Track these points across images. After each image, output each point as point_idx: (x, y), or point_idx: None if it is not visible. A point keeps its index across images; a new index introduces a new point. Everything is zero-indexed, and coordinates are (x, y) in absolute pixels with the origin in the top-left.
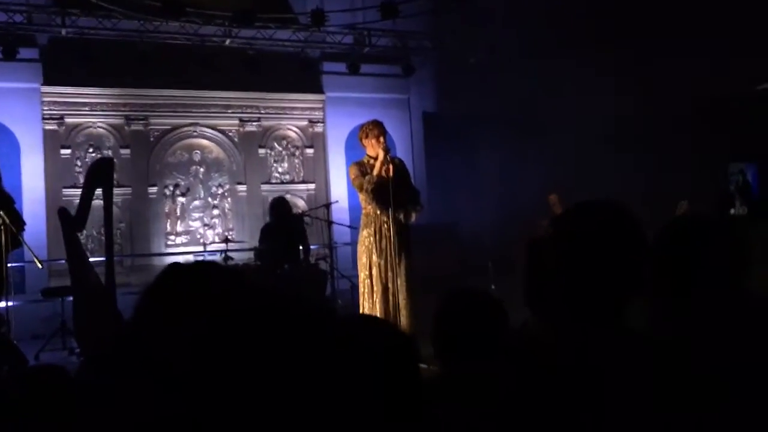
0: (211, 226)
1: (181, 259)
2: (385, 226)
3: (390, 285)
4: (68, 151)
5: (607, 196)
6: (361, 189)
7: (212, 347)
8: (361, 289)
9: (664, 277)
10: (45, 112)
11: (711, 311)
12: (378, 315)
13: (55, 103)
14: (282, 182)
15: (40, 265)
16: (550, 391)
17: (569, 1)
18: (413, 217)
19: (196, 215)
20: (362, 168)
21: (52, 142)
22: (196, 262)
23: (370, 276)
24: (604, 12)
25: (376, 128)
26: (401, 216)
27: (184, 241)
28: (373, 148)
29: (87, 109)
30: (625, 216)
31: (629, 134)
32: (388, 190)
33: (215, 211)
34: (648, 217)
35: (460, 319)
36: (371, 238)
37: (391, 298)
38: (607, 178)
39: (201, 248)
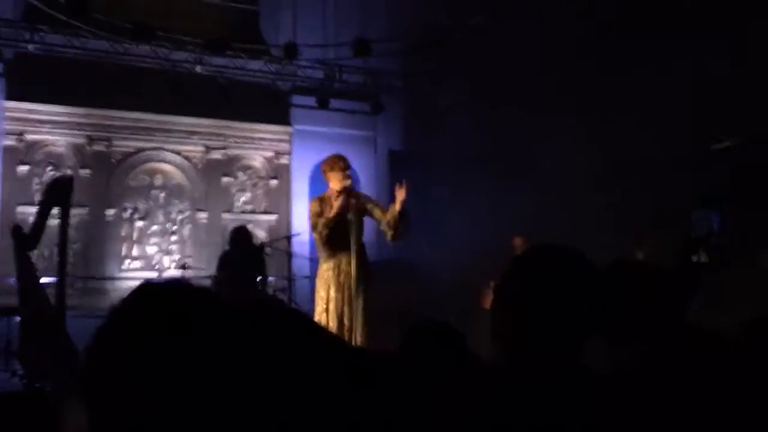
0: (168, 252)
1: (134, 284)
2: (344, 260)
3: (346, 320)
4: (26, 167)
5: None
6: (314, 228)
7: (195, 367)
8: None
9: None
10: (6, 127)
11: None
12: None
13: (16, 119)
14: (244, 212)
15: None
16: (506, 425)
17: (537, 50)
18: (394, 237)
19: (154, 240)
20: (323, 204)
21: (10, 158)
22: (168, 280)
23: (327, 310)
24: (569, 64)
25: (340, 161)
26: (386, 233)
27: (140, 265)
28: (337, 182)
29: (49, 126)
30: (578, 258)
31: (591, 180)
32: (347, 230)
33: (174, 237)
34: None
35: (424, 352)
36: (330, 272)
37: (346, 333)
38: (570, 221)
39: (156, 274)
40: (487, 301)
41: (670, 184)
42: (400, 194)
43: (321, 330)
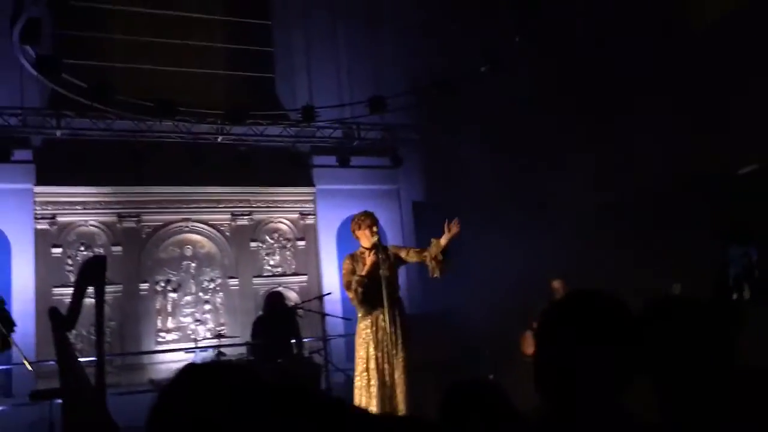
0: (203, 322)
1: (171, 356)
2: (381, 317)
3: (387, 378)
4: (59, 249)
5: (599, 275)
6: (348, 288)
7: None
8: (357, 383)
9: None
10: (37, 211)
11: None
12: (375, 409)
13: (47, 202)
14: (274, 275)
15: (29, 367)
16: None
17: (550, 85)
18: (442, 271)
19: (188, 311)
20: (355, 262)
21: (43, 242)
22: (213, 361)
23: (367, 369)
24: (586, 94)
25: (368, 219)
26: (432, 269)
27: (175, 337)
28: (367, 239)
29: (79, 207)
30: (618, 304)
31: (615, 213)
32: (379, 288)
33: (207, 306)
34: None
35: (466, 411)
36: (368, 330)
37: (387, 390)
38: (598, 257)
39: (192, 344)
40: (527, 346)
41: (697, 213)
42: (454, 228)
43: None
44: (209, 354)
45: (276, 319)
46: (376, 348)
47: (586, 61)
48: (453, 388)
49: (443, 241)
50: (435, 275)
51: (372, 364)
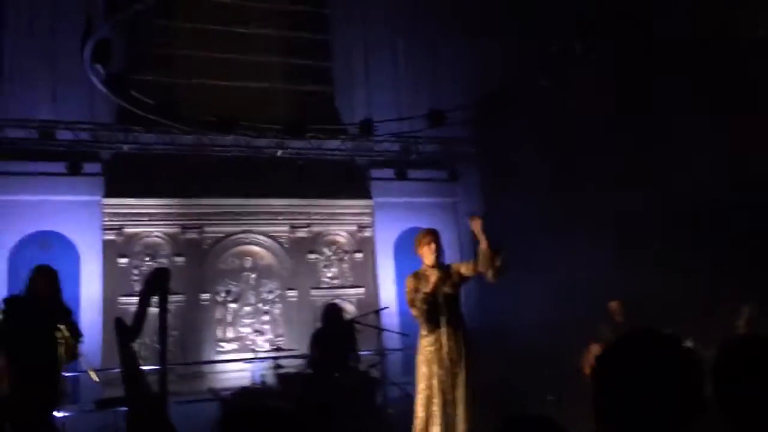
0: (262, 332)
1: (231, 366)
2: (445, 335)
3: (449, 396)
4: (126, 260)
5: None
6: (412, 305)
7: None
8: (419, 399)
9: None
10: (105, 223)
11: None
12: (437, 427)
13: (115, 214)
14: (331, 287)
15: (96, 378)
16: None
17: (610, 99)
18: (498, 272)
19: (247, 321)
20: (418, 280)
21: (110, 252)
22: (254, 410)
23: (430, 387)
24: (641, 109)
25: (428, 236)
26: (488, 274)
27: (235, 347)
28: (429, 257)
29: (145, 219)
30: (677, 344)
31: (677, 230)
32: (441, 306)
33: (265, 317)
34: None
35: None
36: (431, 348)
37: (449, 409)
38: (659, 277)
39: (251, 355)
40: (587, 365)
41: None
42: (475, 226)
43: None
44: (267, 365)
45: (334, 332)
46: (439, 366)
47: (643, 72)
48: (508, 420)
49: (482, 244)
50: (490, 279)
51: (435, 382)
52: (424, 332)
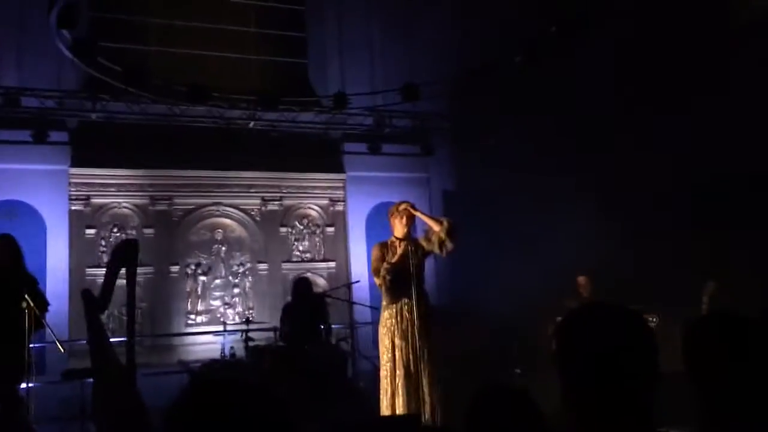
0: (232, 305)
1: (201, 338)
2: (406, 307)
3: (412, 368)
4: (93, 231)
5: (630, 274)
6: (376, 274)
7: None
8: (383, 372)
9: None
10: (72, 193)
11: None
12: (401, 398)
13: (82, 184)
14: (303, 260)
15: (62, 349)
16: None
17: (586, 77)
18: (449, 247)
19: (217, 294)
20: (384, 250)
21: (77, 222)
22: (223, 380)
23: (393, 359)
24: (622, 88)
25: (401, 209)
26: (441, 247)
27: (205, 320)
28: (400, 229)
29: (113, 189)
30: (631, 316)
31: (653, 208)
32: (408, 278)
33: (236, 290)
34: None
35: (493, 420)
36: (392, 320)
37: (413, 381)
38: (632, 252)
39: (221, 327)
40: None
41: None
42: (416, 214)
43: None
44: (237, 338)
45: (305, 305)
46: (401, 338)
47: (623, 53)
48: (481, 392)
49: (432, 226)
50: (445, 250)
51: (397, 354)
52: (385, 303)
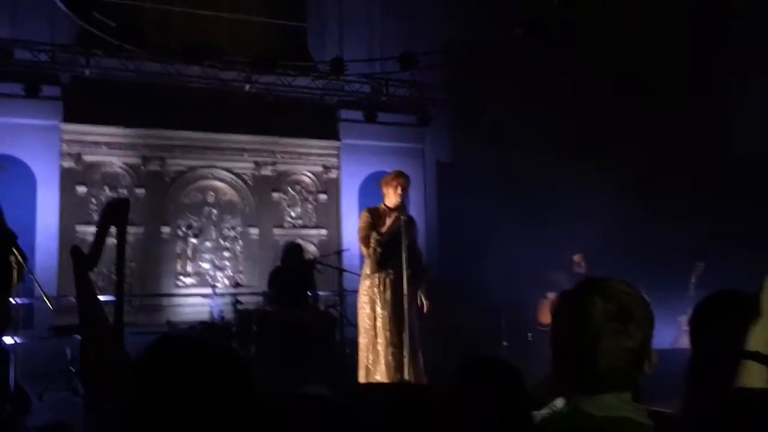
0: (222, 268)
1: (190, 300)
2: (390, 277)
3: (395, 338)
4: (84, 188)
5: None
6: (365, 242)
7: None
8: (362, 340)
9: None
10: (63, 149)
11: None
12: (383, 367)
13: (73, 141)
14: (294, 227)
15: (50, 306)
16: None
17: (586, 52)
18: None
19: (207, 257)
20: (374, 216)
21: (68, 179)
22: (186, 338)
23: (374, 327)
24: (621, 68)
25: (397, 179)
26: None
27: (194, 282)
28: (392, 198)
29: (105, 147)
30: (623, 291)
31: (648, 189)
32: (398, 249)
33: (226, 254)
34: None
35: (478, 390)
36: (375, 289)
37: (395, 351)
38: (625, 232)
39: (210, 290)
40: (544, 316)
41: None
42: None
43: None
44: (226, 301)
45: (294, 271)
46: (383, 307)
47: (623, 29)
48: (466, 362)
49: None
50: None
51: (379, 323)
52: (368, 272)
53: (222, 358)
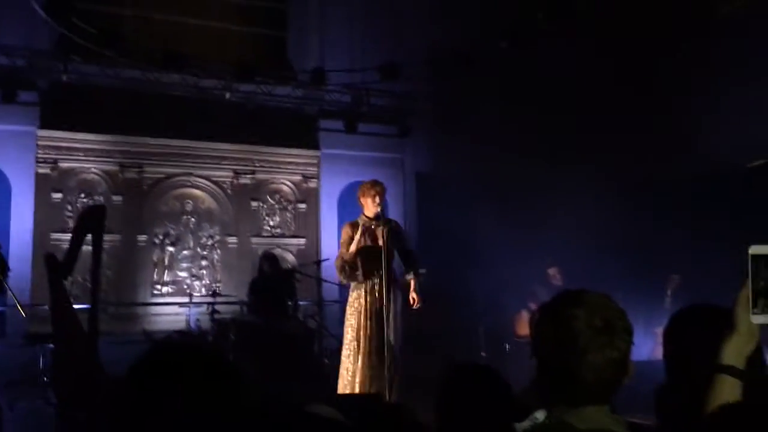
0: (199, 277)
1: (166, 309)
2: (377, 287)
3: (374, 346)
4: (59, 195)
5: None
6: (338, 260)
7: None
8: (345, 351)
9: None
10: (39, 155)
11: None
12: (363, 377)
13: (50, 147)
14: (273, 236)
15: (23, 313)
16: None
17: (570, 65)
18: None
19: (185, 265)
20: (354, 230)
21: (43, 186)
22: (180, 345)
23: (357, 338)
24: (601, 79)
25: (375, 188)
26: (412, 279)
27: (171, 291)
28: (370, 208)
29: (81, 154)
30: (603, 305)
31: (630, 197)
32: (379, 257)
33: (204, 262)
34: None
35: (466, 396)
36: (361, 300)
37: (375, 360)
38: (608, 249)
39: (187, 299)
40: (521, 327)
41: (708, 206)
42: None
43: None
44: (203, 310)
45: (274, 280)
46: (367, 318)
47: (606, 42)
48: (453, 369)
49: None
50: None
51: (362, 333)
52: (354, 283)
53: (214, 362)
